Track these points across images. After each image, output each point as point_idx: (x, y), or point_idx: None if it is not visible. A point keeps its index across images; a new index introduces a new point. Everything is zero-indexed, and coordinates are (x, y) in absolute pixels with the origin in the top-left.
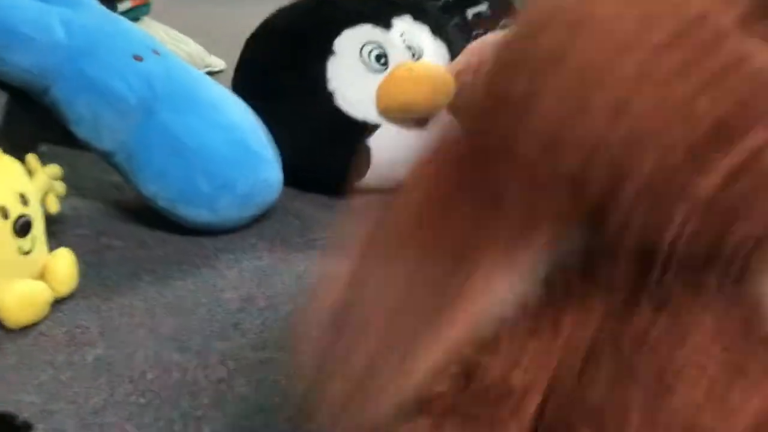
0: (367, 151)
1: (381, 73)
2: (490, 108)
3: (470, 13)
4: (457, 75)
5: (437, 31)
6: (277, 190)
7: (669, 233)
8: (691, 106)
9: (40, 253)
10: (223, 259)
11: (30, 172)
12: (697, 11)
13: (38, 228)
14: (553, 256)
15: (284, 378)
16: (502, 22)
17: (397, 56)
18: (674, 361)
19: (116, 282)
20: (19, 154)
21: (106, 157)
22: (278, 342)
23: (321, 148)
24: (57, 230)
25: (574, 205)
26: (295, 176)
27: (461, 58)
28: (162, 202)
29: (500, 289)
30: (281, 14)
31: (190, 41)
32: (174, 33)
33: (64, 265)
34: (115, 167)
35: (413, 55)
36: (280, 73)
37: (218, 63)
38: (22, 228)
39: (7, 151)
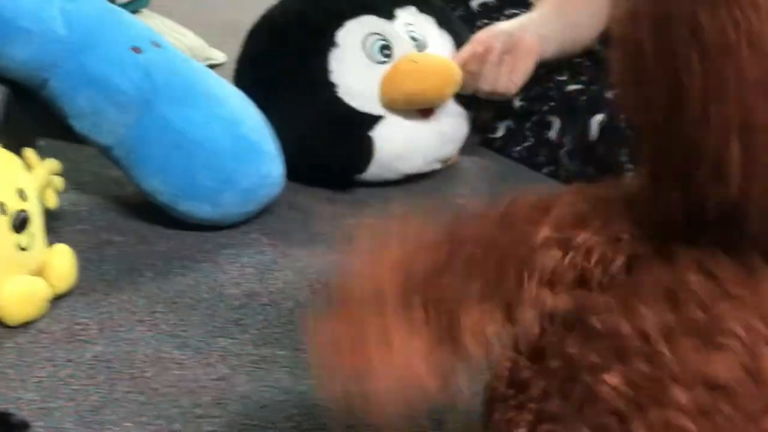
0: (370, 143)
1: (385, 64)
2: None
3: (475, 3)
4: (464, 65)
5: (442, 22)
6: (279, 185)
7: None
8: None
9: (38, 249)
10: (225, 255)
11: (29, 167)
12: None
13: (37, 224)
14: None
15: (286, 376)
16: (506, 12)
17: (401, 47)
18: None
19: (116, 278)
20: (17, 148)
21: (106, 151)
22: (280, 339)
23: (324, 140)
24: (56, 226)
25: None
26: (298, 170)
27: (467, 48)
28: (163, 197)
29: None
30: (283, 6)
31: (191, 33)
32: (174, 25)
33: (62, 261)
34: (115, 162)
35: (417, 46)
36: (282, 65)
37: (219, 56)
38: (21, 224)
39: (5, 145)
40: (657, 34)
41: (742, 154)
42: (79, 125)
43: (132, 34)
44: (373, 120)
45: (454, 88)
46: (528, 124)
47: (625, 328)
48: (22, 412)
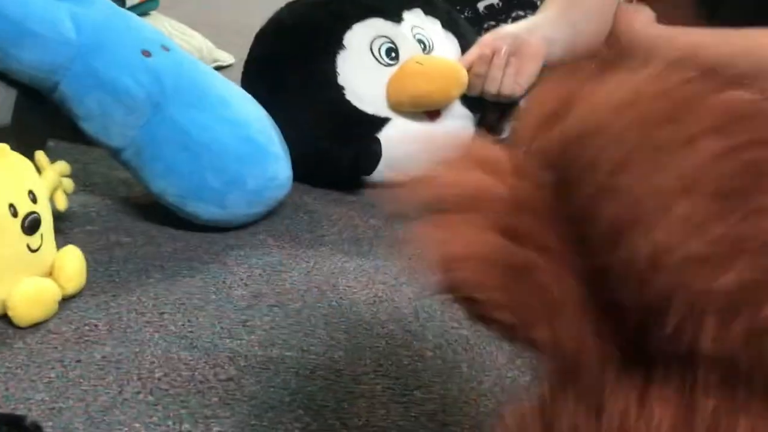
0: (377, 145)
1: (391, 67)
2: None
3: (481, 5)
4: (470, 67)
5: (448, 24)
6: (286, 187)
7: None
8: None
9: (48, 250)
10: (232, 256)
11: (39, 169)
12: None
13: (47, 225)
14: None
15: (293, 377)
16: (513, 14)
17: (408, 50)
18: None
19: (125, 279)
20: (28, 151)
21: (115, 153)
22: (287, 340)
23: (331, 142)
24: (65, 227)
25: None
26: (305, 171)
27: (474, 50)
28: (171, 198)
29: None
30: (291, 9)
31: (198, 35)
32: (182, 27)
33: (72, 262)
34: (124, 164)
35: (424, 49)
36: (290, 68)
37: (226, 57)
38: (31, 225)
39: (16, 148)
40: None
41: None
42: (89, 127)
43: (142, 37)
44: (380, 122)
45: (460, 90)
46: None
47: None
48: (32, 413)
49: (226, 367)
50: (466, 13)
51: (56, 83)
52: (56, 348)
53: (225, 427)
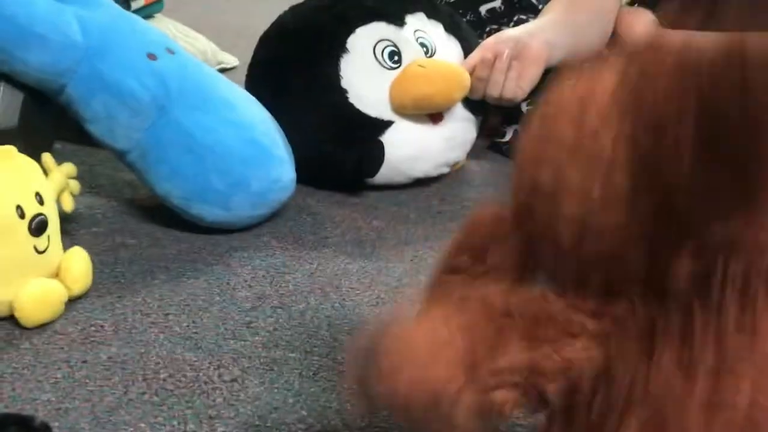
0: (380, 148)
1: (394, 70)
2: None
3: (483, 9)
4: (472, 70)
5: (451, 28)
6: (290, 189)
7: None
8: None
9: (55, 251)
10: (237, 257)
11: (46, 171)
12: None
13: (53, 227)
14: None
15: (297, 378)
16: (515, 18)
17: (411, 54)
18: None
19: (130, 280)
20: (35, 153)
21: (121, 155)
22: (291, 341)
23: (334, 145)
24: (71, 228)
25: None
26: (309, 174)
27: (476, 53)
28: (176, 200)
29: None
30: (294, 12)
31: (203, 38)
32: (186, 30)
33: (78, 263)
34: (129, 166)
35: (426, 53)
36: (294, 70)
37: (231, 60)
38: (38, 227)
39: (23, 150)
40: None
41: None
42: (95, 130)
43: (147, 40)
44: (383, 125)
45: (462, 93)
46: None
47: None
48: (38, 413)
49: (230, 368)
50: (468, 17)
51: (62, 86)
52: (62, 349)
53: (229, 427)
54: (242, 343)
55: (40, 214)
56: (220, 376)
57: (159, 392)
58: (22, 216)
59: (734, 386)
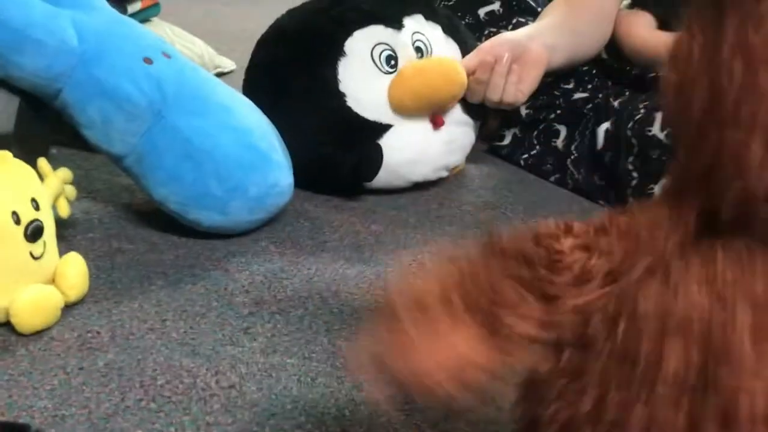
0: (378, 152)
1: (391, 75)
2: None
3: (482, 12)
4: (470, 72)
5: (449, 30)
6: (288, 194)
7: None
8: None
9: (51, 257)
10: (234, 263)
11: (41, 177)
12: None
13: (49, 233)
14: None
15: (295, 384)
16: (514, 21)
17: (407, 59)
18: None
19: (127, 286)
20: (30, 158)
21: (117, 160)
22: (289, 347)
23: (332, 148)
24: (68, 234)
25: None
26: (307, 178)
27: (473, 55)
28: (173, 206)
29: None
30: (292, 16)
31: (200, 41)
32: (183, 33)
33: (74, 269)
34: (126, 171)
35: (422, 57)
36: (292, 73)
37: (228, 64)
38: (34, 233)
39: (18, 155)
40: (707, 48)
41: (763, 152)
42: (91, 135)
43: (143, 44)
44: (381, 128)
45: (460, 88)
46: (535, 132)
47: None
48: (35, 420)
49: (228, 374)
50: (466, 20)
51: (58, 91)
52: (59, 355)
53: None
54: (240, 349)
55: (36, 220)
56: (217, 382)
57: (156, 399)
58: (17, 222)
59: None
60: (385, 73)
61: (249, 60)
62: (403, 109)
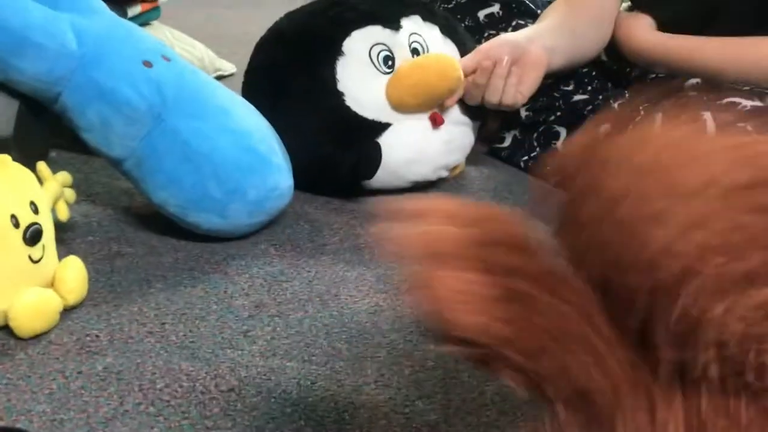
0: (377, 150)
1: (388, 75)
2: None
3: (482, 14)
4: (470, 73)
5: (447, 30)
6: (287, 197)
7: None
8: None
9: (50, 261)
10: (234, 266)
11: (41, 180)
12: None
13: (48, 236)
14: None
15: (295, 387)
16: (513, 23)
17: (403, 59)
18: None
19: (126, 289)
20: (30, 161)
21: (117, 164)
22: (288, 350)
23: (332, 147)
24: (67, 237)
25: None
26: (306, 179)
27: (471, 56)
28: (172, 209)
29: None
30: (290, 18)
31: (200, 45)
32: (183, 37)
33: (73, 273)
34: (125, 174)
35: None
36: (290, 75)
37: (228, 67)
38: (33, 236)
39: (17, 159)
40: None
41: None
42: (90, 138)
43: (143, 48)
44: (380, 127)
45: (456, 82)
46: (535, 134)
47: None
48: (33, 425)
49: (227, 378)
50: (466, 22)
51: (57, 94)
52: (58, 359)
53: None
54: (239, 352)
55: (35, 224)
56: (217, 385)
57: (155, 403)
58: (16, 225)
59: None
60: (383, 73)
61: (248, 63)
62: (402, 107)
